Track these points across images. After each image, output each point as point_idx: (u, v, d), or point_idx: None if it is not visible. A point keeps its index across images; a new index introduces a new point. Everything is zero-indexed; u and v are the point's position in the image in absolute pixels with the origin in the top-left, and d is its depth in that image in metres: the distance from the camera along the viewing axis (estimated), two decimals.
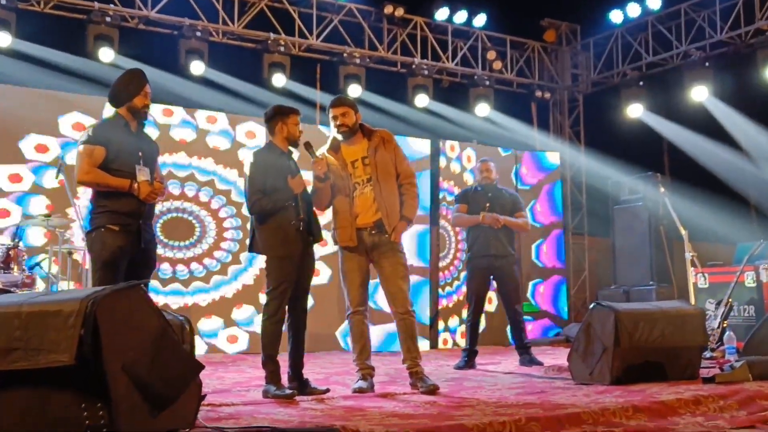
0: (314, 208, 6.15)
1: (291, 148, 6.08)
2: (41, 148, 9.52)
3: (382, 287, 6.23)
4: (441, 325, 11.99)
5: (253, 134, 10.89)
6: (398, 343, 6.19)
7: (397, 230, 6.10)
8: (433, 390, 5.80)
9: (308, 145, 6.07)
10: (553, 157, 13.62)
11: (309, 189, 6.12)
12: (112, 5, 10.93)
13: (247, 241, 6.08)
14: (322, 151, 6.22)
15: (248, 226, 6.27)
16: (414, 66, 12.98)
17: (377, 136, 6.24)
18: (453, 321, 12.20)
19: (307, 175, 6.09)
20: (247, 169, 5.91)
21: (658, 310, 6.44)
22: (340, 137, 6.22)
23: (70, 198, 6.97)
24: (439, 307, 12.03)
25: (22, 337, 3.31)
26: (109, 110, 5.84)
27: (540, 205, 13.21)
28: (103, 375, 3.26)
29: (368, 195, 6.11)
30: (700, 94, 12.38)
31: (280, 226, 5.80)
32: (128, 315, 3.47)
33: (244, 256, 10.64)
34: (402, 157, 6.33)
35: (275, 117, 6.03)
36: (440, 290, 12.09)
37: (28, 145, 9.46)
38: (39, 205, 9.33)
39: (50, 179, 9.23)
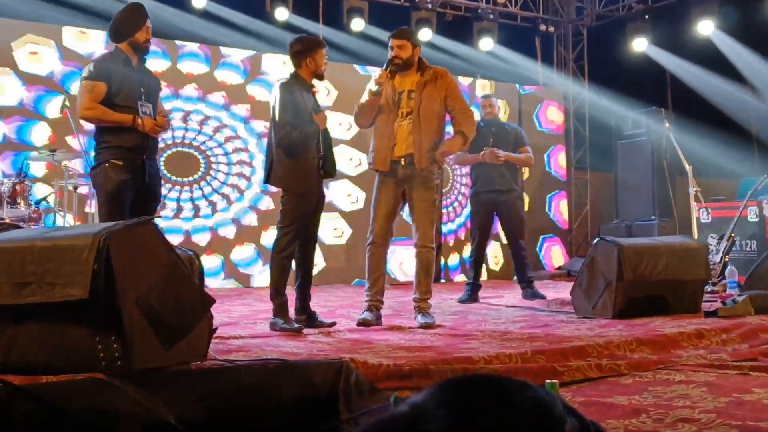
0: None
1: (315, 81, 6.07)
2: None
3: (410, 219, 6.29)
4: (441, 260, 12.07)
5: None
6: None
7: (446, 145, 6.14)
8: (425, 327, 5.84)
9: (390, 61, 6.12)
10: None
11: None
12: None
13: (262, 172, 6.05)
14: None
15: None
16: (417, 0, 12.85)
17: (430, 72, 6.23)
18: (454, 257, 12.29)
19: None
20: (275, 101, 5.84)
21: (661, 244, 6.48)
22: (394, 68, 6.19)
23: (75, 132, 6.96)
24: (441, 242, 12.09)
25: (36, 271, 3.34)
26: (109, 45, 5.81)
27: None
28: (116, 309, 3.29)
29: (406, 128, 6.12)
30: (706, 27, 12.27)
31: (303, 161, 5.79)
32: (140, 249, 3.49)
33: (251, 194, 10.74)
34: (456, 94, 6.28)
35: (304, 50, 5.96)
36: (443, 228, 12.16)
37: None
38: (41, 133, 9.42)
39: (54, 110, 9.27)
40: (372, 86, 6.12)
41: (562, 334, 5.21)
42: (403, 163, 6.13)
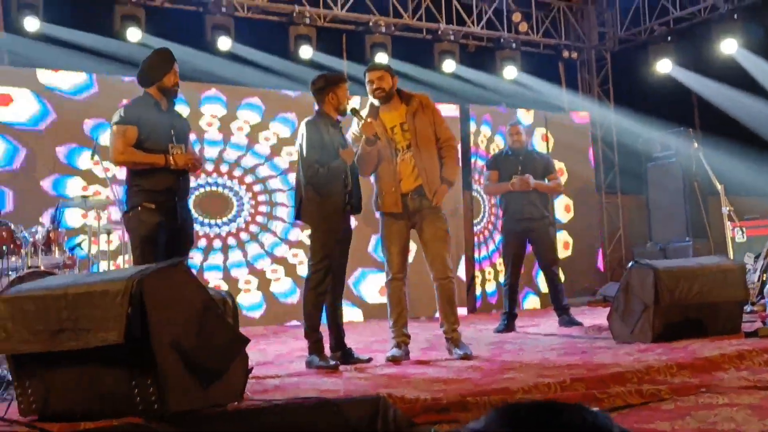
0: (360, 174, 6.16)
1: (339, 117, 6.05)
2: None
3: (423, 252, 6.24)
4: (478, 290, 11.99)
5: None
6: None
7: (438, 194, 6.07)
8: (465, 358, 5.80)
9: (354, 111, 6.04)
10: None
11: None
12: None
13: (292, 209, 6.05)
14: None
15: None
16: (440, 32, 12.88)
17: (415, 101, 6.18)
18: (490, 285, 12.21)
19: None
20: (301, 139, 5.86)
21: (697, 266, 6.42)
22: (377, 102, 6.17)
23: (107, 178, 7.00)
24: (476, 272, 12.03)
25: (70, 317, 3.36)
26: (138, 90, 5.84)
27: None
28: (151, 352, 3.30)
29: (408, 161, 6.08)
30: (729, 46, 12.22)
31: (330, 199, 5.80)
32: (173, 292, 3.51)
33: (280, 227, 10.75)
34: (441, 121, 6.26)
35: (326, 87, 5.98)
36: (475, 254, 12.10)
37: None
38: (75, 186, 9.42)
39: (85, 161, 9.35)
40: (367, 136, 5.97)
41: (600, 361, 5.15)
42: (411, 196, 6.10)
